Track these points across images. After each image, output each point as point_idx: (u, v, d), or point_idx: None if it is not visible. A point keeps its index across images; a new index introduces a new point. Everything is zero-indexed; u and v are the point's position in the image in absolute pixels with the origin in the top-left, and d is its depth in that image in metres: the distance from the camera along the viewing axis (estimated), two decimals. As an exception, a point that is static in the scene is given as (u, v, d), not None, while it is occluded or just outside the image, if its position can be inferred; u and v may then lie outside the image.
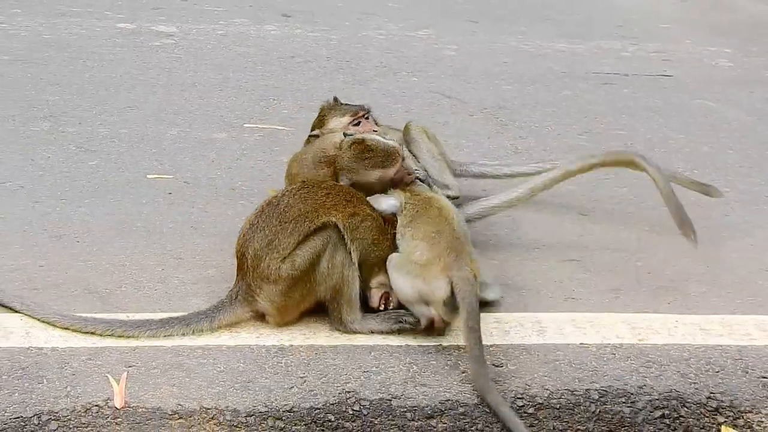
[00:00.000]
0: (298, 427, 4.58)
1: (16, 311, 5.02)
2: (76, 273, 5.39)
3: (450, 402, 4.70)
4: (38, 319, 4.95)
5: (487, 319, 5.23)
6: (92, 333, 4.88)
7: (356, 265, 4.93)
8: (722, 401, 4.88)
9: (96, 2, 9.77)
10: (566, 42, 9.79)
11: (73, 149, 6.75)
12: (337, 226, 4.88)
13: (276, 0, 10.46)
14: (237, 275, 5.03)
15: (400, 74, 8.61)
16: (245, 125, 7.34)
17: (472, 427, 4.69)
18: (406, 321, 5.02)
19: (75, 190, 6.25)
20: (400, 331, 5.02)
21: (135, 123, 7.21)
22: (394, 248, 5.07)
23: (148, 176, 6.49)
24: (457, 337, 5.04)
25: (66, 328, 4.90)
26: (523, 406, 4.75)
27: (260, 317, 5.03)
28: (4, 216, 5.88)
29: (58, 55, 8.36)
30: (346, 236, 4.89)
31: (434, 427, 4.66)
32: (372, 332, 5.01)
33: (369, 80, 8.44)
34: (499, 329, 5.19)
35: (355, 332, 4.98)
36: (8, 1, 9.49)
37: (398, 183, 5.36)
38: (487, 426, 4.72)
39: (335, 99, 6.06)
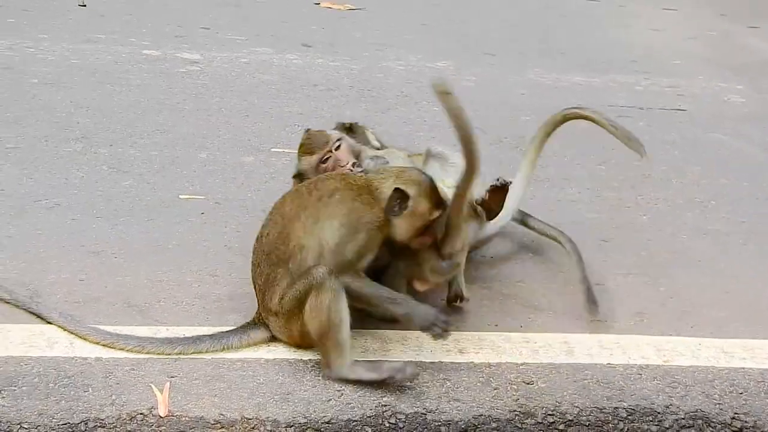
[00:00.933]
0: (337, 438, 4.70)
1: (50, 323, 5.15)
2: (114, 288, 5.52)
3: (483, 417, 4.84)
4: (74, 333, 5.09)
5: (515, 338, 5.39)
6: (123, 349, 5.02)
7: (345, 306, 4.90)
8: (746, 422, 5.02)
9: (121, 29, 9.92)
10: (582, 75, 9.94)
11: (105, 170, 6.88)
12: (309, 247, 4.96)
13: (296, 31, 10.61)
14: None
15: (421, 103, 8.76)
16: (272, 149, 7.47)
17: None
18: (395, 371, 4.94)
19: (110, 208, 6.38)
20: (387, 381, 4.93)
21: (165, 146, 7.35)
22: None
23: (180, 197, 6.63)
24: (487, 354, 5.18)
25: (97, 344, 5.05)
26: (553, 422, 4.88)
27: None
28: (42, 231, 6.01)
29: (86, 79, 8.50)
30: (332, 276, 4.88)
31: (468, 441, 4.79)
32: (359, 380, 4.92)
33: (391, 108, 8.59)
34: (528, 348, 5.33)
35: (340, 379, 4.92)
36: (35, 27, 9.64)
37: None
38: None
39: (307, 131, 6.01)
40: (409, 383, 4.92)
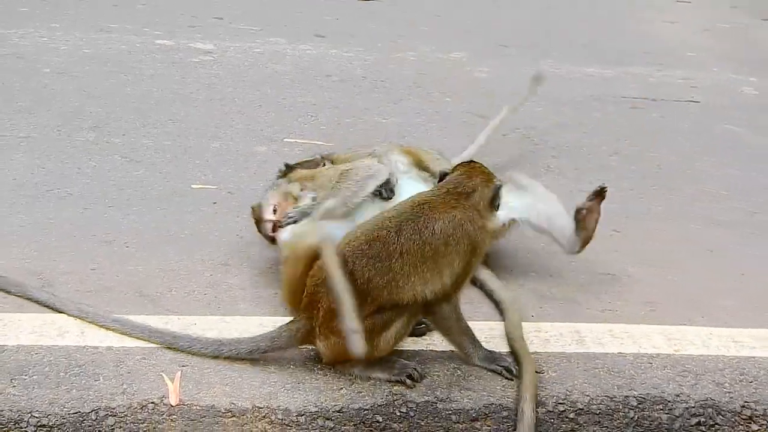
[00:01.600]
0: (347, 427, 4.71)
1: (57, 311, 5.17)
2: (127, 277, 5.53)
3: (494, 406, 4.84)
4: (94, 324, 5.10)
5: (526, 328, 5.38)
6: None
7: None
8: (756, 410, 5.02)
9: (133, 19, 9.94)
10: (595, 67, 9.94)
11: (118, 159, 6.90)
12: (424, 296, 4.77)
13: (310, 21, 10.62)
14: (303, 313, 4.90)
15: (434, 94, 8.77)
16: (285, 140, 7.48)
17: (515, 430, 4.81)
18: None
19: (122, 197, 6.40)
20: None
21: (178, 135, 7.37)
22: None
23: (192, 186, 6.65)
24: (498, 343, 5.18)
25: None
26: (564, 411, 4.89)
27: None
28: (54, 221, 6.03)
29: (98, 69, 8.52)
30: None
31: (478, 430, 4.80)
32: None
33: (403, 99, 8.60)
34: (539, 338, 5.33)
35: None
36: (48, 17, 9.66)
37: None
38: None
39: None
40: (418, 373, 4.92)
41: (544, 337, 5.34)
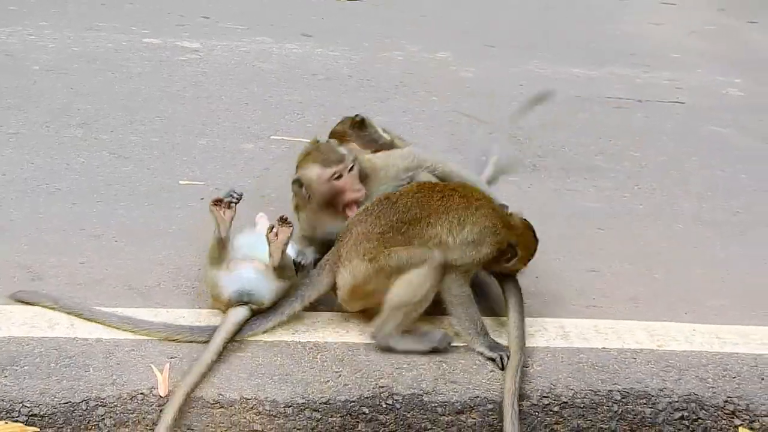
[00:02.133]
0: (334, 418, 4.77)
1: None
2: (115, 271, 5.57)
3: (479, 398, 4.90)
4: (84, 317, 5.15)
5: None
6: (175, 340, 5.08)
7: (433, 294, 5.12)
8: (739, 405, 5.09)
9: (121, 18, 9.95)
10: (581, 68, 9.99)
11: (106, 155, 6.93)
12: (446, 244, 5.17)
13: (296, 20, 10.64)
14: (334, 247, 5.27)
15: (420, 93, 8.80)
16: (272, 137, 7.52)
17: (500, 422, 4.88)
18: (437, 341, 5.18)
19: (110, 193, 6.43)
20: (433, 351, 5.15)
21: (165, 132, 7.40)
22: None
23: (180, 182, 6.68)
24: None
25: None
26: (548, 404, 4.95)
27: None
28: (44, 216, 6.07)
29: (86, 66, 8.54)
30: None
31: (464, 422, 4.85)
32: (406, 351, 5.12)
33: (390, 98, 8.63)
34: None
35: (388, 348, 5.11)
36: (36, 15, 9.67)
37: (341, 193, 5.50)
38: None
39: (316, 142, 5.80)
40: (406, 365, 4.97)
41: (528, 331, 5.39)
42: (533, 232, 5.52)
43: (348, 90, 8.72)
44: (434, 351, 5.12)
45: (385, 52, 9.82)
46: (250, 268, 5.12)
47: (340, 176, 5.48)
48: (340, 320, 5.31)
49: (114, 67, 8.61)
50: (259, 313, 5.11)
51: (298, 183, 5.57)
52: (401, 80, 9.09)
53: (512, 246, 5.34)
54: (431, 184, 5.39)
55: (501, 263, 5.37)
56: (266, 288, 5.12)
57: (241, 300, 5.07)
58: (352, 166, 5.51)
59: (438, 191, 5.30)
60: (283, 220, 5.10)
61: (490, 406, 4.89)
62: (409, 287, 5.01)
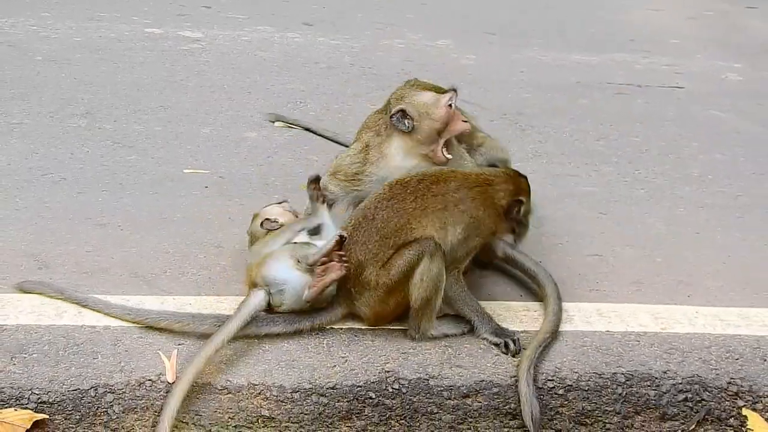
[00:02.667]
0: (341, 403, 4.80)
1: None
2: (121, 259, 5.61)
3: (484, 382, 4.94)
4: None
5: (515, 307, 5.49)
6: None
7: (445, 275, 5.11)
8: (742, 386, 5.12)
9: (123, 8, 9.99)
10: (581, 54, 10.02)
11: (110, 144, 6.97)
12: (432, 238, 5.07)
13: (297, 9, 10.68)
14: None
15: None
16: (275, 125, 7.55)
17: (505, 406, 4.92)
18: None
19: (115, 182, 6.47)
20: (468, 332, 5.24)
21: (168, 121, 7.44)
22: None
23: (184, 171, 6.72)
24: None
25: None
26: (553, 387, 4.98)
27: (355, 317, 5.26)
28: (50, 205, 6.10)
29: (89, 56, 8.57)
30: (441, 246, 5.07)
31: (470, 406, 4.89)
32: (446, 335, 5.20)
33: (391, 86, 8.47)
34: (528, 317, 5.43)
35: (431, 339, 5.16)
36: (38, 6, 9.71)
37: (451, 121, 5.50)
38: (520, 406, 4.94)
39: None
40: (411, 350, 5.01)
41: (533, 315, 5.44)
42: (518, 175, 5.48)
43: (350, 78, 8.75)
44: (471, 332, 5.21)
45: (386, 40, 9.86)
46: (297, 269, 5.13)
47: (451, 105, 5.52)
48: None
49: (116, 57, 8.65)
50: (271, 313, 5.13)
51: (401, 113, 5.49)
52: (402, 68, 9.12)
53: (518, 201, 5.35)
54: (401, 183, 5.23)
55: (510, 221, 5.37)
56: (295, 295, 5.13)
57: (268, 287, 5.09)
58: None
59: (410, 191, 5.16)
60: (340, 257, 5.05)
61: (495, 390, 4.93)
62: (422, 285, 5.01)
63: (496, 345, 5.13)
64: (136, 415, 4.65)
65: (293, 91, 8.32)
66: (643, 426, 5.04)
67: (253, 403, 4.76)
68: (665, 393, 5.06)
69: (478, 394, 4.91)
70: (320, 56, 9.23)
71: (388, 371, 4.91)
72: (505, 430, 4.97)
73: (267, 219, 5.51)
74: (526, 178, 5.48)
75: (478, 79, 9.00)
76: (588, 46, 10.38)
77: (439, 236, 5.07)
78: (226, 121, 7.58)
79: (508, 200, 5.32)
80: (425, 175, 5.27)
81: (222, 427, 4.72)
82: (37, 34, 8.96)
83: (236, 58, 8.97)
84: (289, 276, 5.08)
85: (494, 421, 4.94)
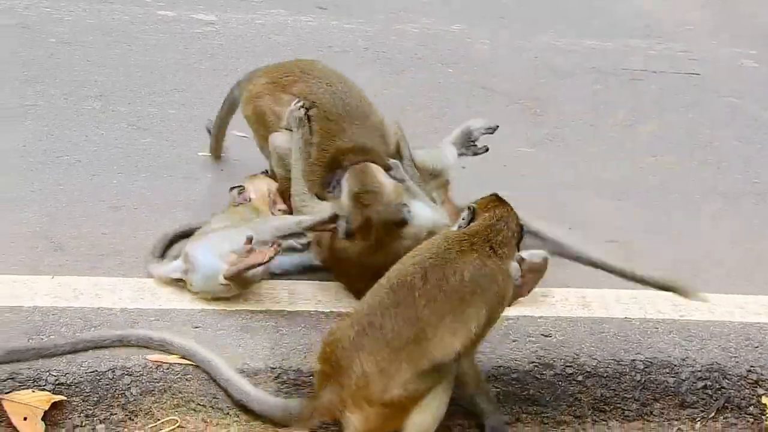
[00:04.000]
0: (357, 385, 4.77)
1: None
2: (137, 241, 5.59)
3: (503, 368, 4.94)
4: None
5: (533, 293, 5.41)
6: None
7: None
8: (762, 374, 5.11)
9: (135, -10, 9.95)
10: (595, 40, 9.95)
11: (125, 127, 6.94)
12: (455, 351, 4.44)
13: (310, -8, 10.64)
14: (322, 384, 4.53)
15: (436, 66, 8.80)
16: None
17: (523, 392, 4.90)
18: None
19: (130, 164, 6.45)
20: None
21: (182, 104, 7.41)
22: None
23: (198, 154, 6.70)
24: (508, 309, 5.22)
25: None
26: (572, 373, 4.97)
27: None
28: (64, 187, 6.09)
29: (102, 39, 8.53)
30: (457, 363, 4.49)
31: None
32: None
33: (405, 71, 8.63)
34: (546, 302, 5.42)
35: None
36: (51, -13, 9.67)
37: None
38: (538, 392, 4.92)
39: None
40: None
41: (550, 301, 5.42)
42: (497, 200, 4.83)
43: (364, 62, 8.71)
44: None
45: (399, 25, 9.80)
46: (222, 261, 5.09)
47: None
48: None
49: (130, 39, 8.61)
50: None
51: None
52: (416, 53, 9.07)
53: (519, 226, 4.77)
54: (406, 285, 4.48)
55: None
56: (203, 279, 5.09)
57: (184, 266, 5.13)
58: None
59: (420, 294, 4.44)
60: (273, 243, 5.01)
61: (514, 376, 4.94)
62: (428, 413, 4.46)
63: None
64: (153, 398, 4.64)
65: (307, 74, 8.25)
66: (662, 413, 5.03)
67: (270, 387, 4.74)
68: (684, 380, 5.05)
69: (497, 380, 4.91)
70: (334, 40, 9.18)
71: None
72: (523, 415, 4.94)
73: (239, 187, 5.53)
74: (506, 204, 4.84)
75: (491, 65, 8.96)
76: (602, 31, 10.31)
77: (463, 342, 4.43)
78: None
79: (514, 243, 4.73)
80: (426, 268, 4.51)
81: (239, 411, 4.69)
82: (50, 16, 8.91)
83: (250, 41, 8.92)
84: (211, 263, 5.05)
85: (512, 406, 4.92)
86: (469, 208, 4.79)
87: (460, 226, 4.76)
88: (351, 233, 5.16)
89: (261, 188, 5.78)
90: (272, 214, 5.68)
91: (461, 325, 4.44)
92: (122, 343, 4.75)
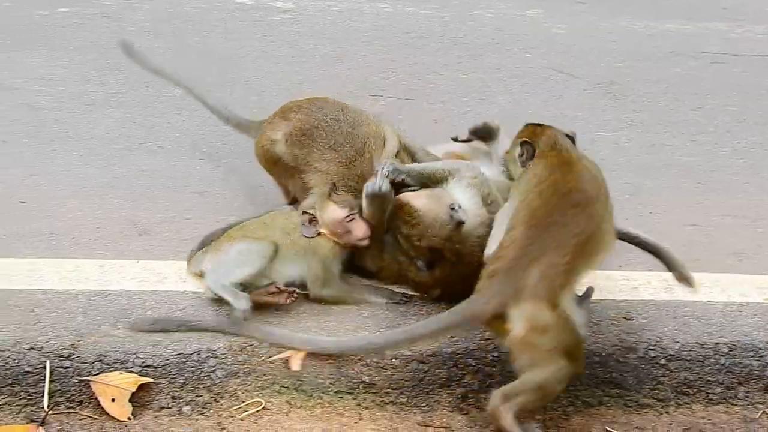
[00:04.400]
0: (441, 370, 4.81)
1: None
2: (221, 226, 5.60)
3: (585, 352, 4.86)
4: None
5: (615, 276, 5.44)
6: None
7: None
8: None
9: (213, -22, 10.02)
10: (674, 23, 9.87)
11: (206, 114, 6.96)
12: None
13: (386, -21, 10.65)
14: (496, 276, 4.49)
15: (513, 50, 8.78)
16: (369, 95, 7.54)
17: (605, 375, 4.94)
18: None
19: (212, 151, 6.52)
20: None
21: (262, 91, 7.46)
22: None
23: (279, 140, 6.71)
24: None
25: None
26: (655, 357, 4.95)
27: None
28: (148, 172, 6.18)
29: (181, 27, 8.62)
30: None
31: (570, 374, 4.85)
32: None
33: (483, 55, 8.62)
34: (628, 286, 5.40)
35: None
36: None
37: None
38: (621, 375, 4.92)
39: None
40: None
41: (632, 285, 5.40)
42: (536, 125, 5.10)
43: (441, 48, 8.72)
44: None
45: (475, 10, 9.78)
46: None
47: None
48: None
49: (208, 27, 8.69)
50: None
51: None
52: (493, 37, 9.06)
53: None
54: (539, 212, 4.61)
55: None
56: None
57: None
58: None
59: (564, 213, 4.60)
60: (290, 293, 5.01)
61: (596, 359, 4.94)
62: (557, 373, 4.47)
63: None
64: (238, 380, 4.70)
65: (385, 60, 8.30)
66: (747, 397, 4.99)
67: (353, 370, 4.78)
68: (769, 364, 5.01)
69: (579, 363, 4.88)
70: (411, 26, 9.19)
71: (488, 339, 4.90)
72: (606, 398, 4.94)
73: (309, 213, 5.23)
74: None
75: (569, 49, 8.92)
76: (680, 13, 10.22)
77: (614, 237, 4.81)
78: (320, 91, 7.52)
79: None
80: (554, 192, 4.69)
81: (323, 393, 4.73)
82: (129, 5, 9.02)
83: (327, 28, 8.96)
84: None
85: (595, 389, 4.92)
86: (521, 144, 5.00)
87: (522, 163, 4.97)
88: (430, 266, 5.11)
89: (333, 220, 5.24)
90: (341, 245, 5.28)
91: (610, 225, 4.74)
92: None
